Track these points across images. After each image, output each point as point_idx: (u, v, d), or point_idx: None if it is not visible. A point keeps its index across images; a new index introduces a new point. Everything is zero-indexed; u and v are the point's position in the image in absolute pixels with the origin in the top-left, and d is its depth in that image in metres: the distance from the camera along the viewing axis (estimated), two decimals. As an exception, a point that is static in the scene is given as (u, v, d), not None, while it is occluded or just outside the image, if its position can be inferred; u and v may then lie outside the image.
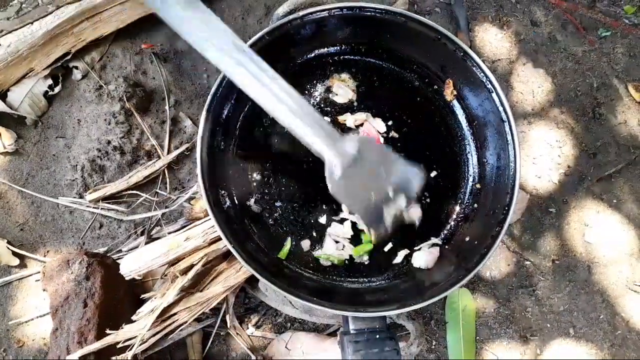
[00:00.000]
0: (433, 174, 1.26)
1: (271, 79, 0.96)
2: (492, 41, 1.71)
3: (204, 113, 1.11)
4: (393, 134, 1.28)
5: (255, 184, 1.25)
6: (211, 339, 1.47)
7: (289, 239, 1.22)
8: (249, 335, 1.49)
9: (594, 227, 1.59)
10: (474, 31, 1.72)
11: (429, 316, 1.52)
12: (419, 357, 1.49)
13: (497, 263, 1.57)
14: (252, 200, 1.24)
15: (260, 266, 1.07)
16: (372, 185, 1.05)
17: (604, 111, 1.67)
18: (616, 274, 1.57)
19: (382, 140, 1.27)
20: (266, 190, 1.25)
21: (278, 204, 1.25)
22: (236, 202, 1.22)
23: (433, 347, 1.51)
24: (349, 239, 1.22)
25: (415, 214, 1.13)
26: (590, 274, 1.57)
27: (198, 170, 1.10)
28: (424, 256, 1.20)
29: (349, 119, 1.28)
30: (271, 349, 1.47)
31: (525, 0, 1.74)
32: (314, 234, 1.24)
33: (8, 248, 1.51)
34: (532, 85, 1.68)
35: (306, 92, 1.30)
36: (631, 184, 1.63)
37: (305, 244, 1.23)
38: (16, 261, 1.51)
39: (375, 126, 1.28)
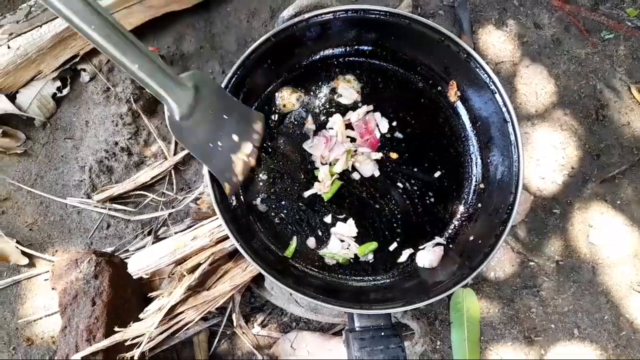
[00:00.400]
0: (437, 174, 1.28)
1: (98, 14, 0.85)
2: (496, 43, 1.72)
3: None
4: (397, 134, 1.30)
5: (261, 183, 1.27)
6: (217, 338, 1.49)
7: (295, 237, 1.24)
8: (254, 335, 1.50)
9: (598, 228, 1.60)
10: (478, 33, 1.73)
11: (434, 316, 1.53)
12: (424, 357, 1.49)
13: (501, 264, 1.58)
14: (259, 199, 1.26)
15: (267, 264, 1.08)
16: (217, 132, 1.03)
17: (607, 113, 1.68)
18: (620, 275, 1.57)
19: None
20: (272, 190, 1.27)
21: (284, 203, 1.26)
22: (243, 201, 1.24)
23: (437, 347, 1.52)
24: (354, 237, 1.23)
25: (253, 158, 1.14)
26: (594, 275, 1.57)
27: (205, 169, 1.11)
28: (428, 255, 1.21)
29: (352, 116, 1.29)
30: (276, 348, 1.48)
31: (529, 2, 1.75)
32: (320, 232, 1.25)
33: (17, 247, 1.52)
34: (536, 87, 1.69)
35: (311, 93, 1.32)
36: (635, 186, 1.63)
37: (311, 242, 1.24)
38: (25, 260, 1.53)
39: (377, 120, 1.29)
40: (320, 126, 1.30)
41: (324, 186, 1.24)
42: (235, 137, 1.08)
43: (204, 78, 1.02)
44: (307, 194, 1.25)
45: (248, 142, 1.11)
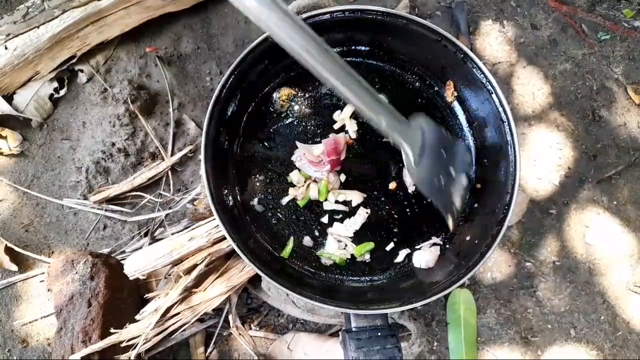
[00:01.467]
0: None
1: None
2: (493, 44, 1.72)
3: (208, 112, 1.13)
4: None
5: (258, 183, 1.26)
6: (214, 339, 1.48)
7: (291, 238, 1.24)
8: (251, 336, 1.50)
9: (594, 229, 1.60)
10: (475, 34, 1.73)
11: (431, 317, 1.53)
12: (421, 357, 1.49)
13: (498, 264, 1.58)
14: (256, 200, 1.26)
15: (264, 265, 1.08)
16: (439, 169, 1.07)
17: (603, 113, 1.68)
18: (616, 276, 1.58)
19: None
20: (269, 190, 1.27)
21: (280, 203, 1.26)
22: (240, 201, 1.24)
23: (434, 347, 1.52)
24: (350, 238, 1.23)
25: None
26: (590, 275, 1.58)
27: (202, 169, 1.11)
28: (425, 255, 1.21)
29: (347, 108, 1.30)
30: (273, 349, 1.48)
31: (526, 3, 1.76)
32: (316, 233, 1.25)
33: (11, 252, 1.53)
34: (533, 87, 1.70)
35: (309, 93, 1.32)
36: (631, 186, 1.64)
37: (308, 242, 1.24)
38: (14, 267, 1.52)
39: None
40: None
41: (299, 192, 1.25)
42: (452, 171, 1.11)
43: (423, 118, 1.06)
44: (284, 200, 1.26)
45: (462, 174, 1.14)
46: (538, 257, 1.58)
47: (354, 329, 1.04)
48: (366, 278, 1.22)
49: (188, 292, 1.33)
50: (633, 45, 1.74)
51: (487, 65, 1.63)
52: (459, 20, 1.70)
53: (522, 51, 1.73)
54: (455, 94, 1.28)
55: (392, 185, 1.27)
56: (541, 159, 1.64)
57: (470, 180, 1.18)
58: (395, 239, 1.24)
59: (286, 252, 1.22)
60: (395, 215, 1.26)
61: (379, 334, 1.03)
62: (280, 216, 1.25)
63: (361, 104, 0.89)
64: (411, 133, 1.00)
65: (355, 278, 1.22)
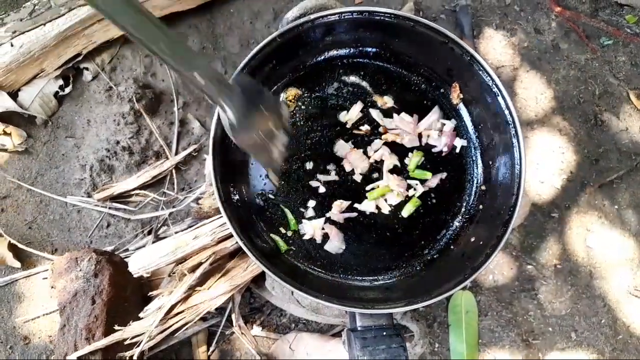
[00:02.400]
0: (444, 175, 1.28)
1: None
2: (496, 48, 1.73)
3: (216, 111, 1.13)
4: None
5: (265, 182, 1.27)
6: (216, 339, 1.48)
7: (288, 232, 1.26)
8: (253, 335, 1.50)
9: (595, 233, 1.61)
10: (479, 38, 1.74)
11: (432, 319, 1.54)
12: (423, 359, 1.49)
13: (499, 267, 1.58)
14: (261, 197, 1.26)
15: (270, 263, 1.08)
16: (259, 125, 1.08)
17: (606, 118, 1.69)
18: (617, 279, 1.58)
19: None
20: (276, 189, 1.27)
21: (287, 201, 1.27)
22: (246, 199, 1.24)
23: (436, 349, 1.52)
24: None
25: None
26: (591, 278, 1.58)
27: (210, 167, 1.12)
28: (441, 140, 1.29)
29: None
30: (275, 349, 1.48)
31: (529, 8, 1.77)
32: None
33: (14, 249, 1.53)
34: (535, 91, 1.71)
35: (315, 93, 1.32)
36: (633, 190, 1.65)
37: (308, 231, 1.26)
38: (18, 264, 1.53)
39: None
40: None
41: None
42: (271, 126, 1.12)
43: (243, 77, 1.07)
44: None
45: (281, 130, 1.15)
46: (539, 260, 1.59)
47: (359, 328, 1.05)
48: (371, 277, 1.22)
49: (192, 291, 1.33)
50: (635, 50, 1.75)
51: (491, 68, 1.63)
52: (462, 23, 1.71)
53: (525, 55, 1.74)
54: (461, 96, 1.28)
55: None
56: (543, 163, 1.65)
57: (289, 136, 1.20)
58: (401, 241, 1.25)
59: (284, 243, 1.24)
60: (400, 217, 1.27)
61: (384, 333, 1.03)
62: (286, 213, 1.26)
63: (177, 65, 0.85)
64: (231, 93, 0.97)
65: (360, 277, 1.22)
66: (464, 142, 1.29)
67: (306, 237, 1.24)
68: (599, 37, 1.76)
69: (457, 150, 1.30)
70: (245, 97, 1.00)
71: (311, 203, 1.27)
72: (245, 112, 1.00)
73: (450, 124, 1.29)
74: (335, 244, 1.23)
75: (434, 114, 1.29)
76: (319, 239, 1.24)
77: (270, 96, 1.13)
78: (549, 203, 1.63)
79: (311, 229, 1.24)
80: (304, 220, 1.25)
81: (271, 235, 1.23)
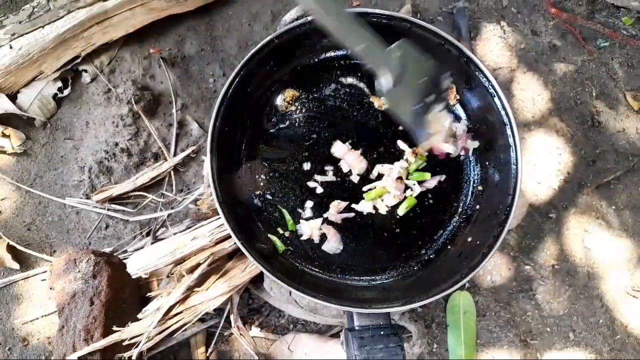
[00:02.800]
0: (443, 177, 1.29)
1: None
2: (494, 50, 1.74)
3: (214, 112, 1.14)
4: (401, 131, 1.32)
5: (262, 183, 1.27)
6: (215, 340, 1.48)
7: (286, 233, 1.26)
8: (252, 336, 1.50)
9: (593, 233, 1.62)
10: (476, 40, 1.75)
11: (430, 319, 1.54)
12: (421, 359, 1.50)
13: (497, 268, 1.59)
14: (259, 197, 1.27)
15: (268, 263, 1.09)
16: (418, 96, 1.11)
17: (602, 119, 1.70)
18: (615, 280, 1.59)
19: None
20: (273, 190, 1.28)
21: (284, 202, 1.27)
22: (243, 199, 1.25)
23: (434, 350, 1.53)
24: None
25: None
26: (589, 279, 1.59)
27: (208, 168, 1.12)
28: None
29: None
30: (274, 350, 1.48)
31: (526, 10, 1.78)
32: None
33: (13, 250, 1.53)
34: (532, 93, 1.72)
35: (313, 94, 1.33)
36: (630, 191, 1.65)
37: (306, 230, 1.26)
38: (16, 266, 1.53)
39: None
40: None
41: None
42: (432, 97, 1.15)
43: (405, 45, 1.08)
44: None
45: (440, 102, 1.18)
46: (537, 260, 1.59)
47: (357, 328, 1.05)
48: (369, 277, 1.23)
49: (190, 292, 1.34)
50: (632, 52, 1.76)
51: (488, 70, 1.64)
52: (460, 25, 1.72)
53: (522, 57, 1.75)
54: (458, 97, 1.29)
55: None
56: (541, 164, 1.66)
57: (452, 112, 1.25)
58: (399, 242, 1.26)
59: (280, 247, 1.24)
60: (398, 217, 1.27)
61: (382, 332, 1.04)
62: (284, 214, 1.27)
63: (336, 27, 0.96)
64: (389, 58, 1.03)
65: (357, 277, 1.23)
66: (475, 144, 1.29)
67: (304, 237, 1.25)
68: (595, 39, 1.77)
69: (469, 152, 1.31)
70: (405, 64, 1.06)
71: (309, 204, 1.27)
72: (401, 78, 1.05)
73: (461, 126, 1.30)
74: (333, 245, 1.24)
75: (446, 120, 1.25)
76: (316, 239, 1.25)
77: (432, 64, 1.14)
78: (546, 204, 1.64)
79: (309, 229, 1.24)
80: (301, 221, 1.26)
81: (269, 235, 1.24)
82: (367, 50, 1.00)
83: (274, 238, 1.24)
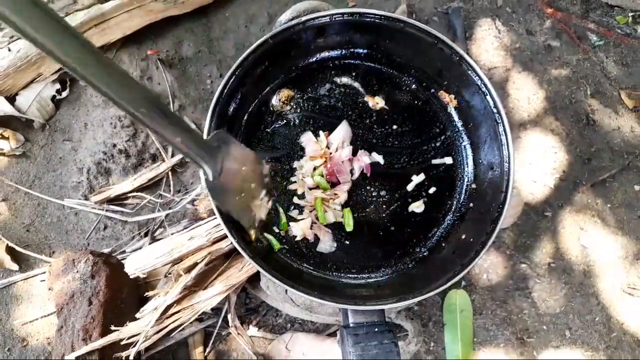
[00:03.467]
0: (430, 174, 1.30)
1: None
2: (489, 49, 1.75)
3: (210, 112, 1.15)
4: (392, 133, 1.32)
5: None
6: (212, 339, 1.49)
7: (281, 232, 1.27)
8: (249, 336, 1.51)
9: (589, 231, 1.62)
10: (471, 40, 1.76)
11: (427, 318, 1.55)
12: (418, 357, 1.50)
13: (493, 266, 1.60)
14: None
15: (263, 261, 1.10)
16: (241, 184, 1.07)
17: (597, 118, 1.71)
18: (611, 277, 1.59)
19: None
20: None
21: (277, 201, 1.28)
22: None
23: (431, 348, 1.53)
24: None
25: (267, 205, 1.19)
26: (585, 276, 1.60)
27: (202, 172, 1.13)
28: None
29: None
30: (272, 349, 1.49)
31: (521, 10, 1.79)
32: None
33: (12, 251, 1.54)
34: (528, 92, 1.73)
35: (308, 94, 1.34)
36: (625, 189, 1.66)
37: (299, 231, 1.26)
38: (15, 267, 1.54)
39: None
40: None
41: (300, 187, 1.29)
42: (252, 185, 1.11)
43: (223, 135, 1.02)
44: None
45: (262, 188, 1.15)
46: (533, 258, 1.60)
47: (351, 325, 1.06)
48: (364, 275, 1.23)
49: (188, 291, 1.34)
50: (626, 51, 1.77)
51: (483, 70, 1.65)
52: (455, 25, 1.73)
53: (517, 56, 1.76)
54: (454, 98, 1.30)
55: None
56: (536, 162, 1.67)
57: (272, 195, 1.20)
58: (393, 240, 1.26)
59: (276, 245, 1.24)
60: (392, 215, 1.28)
61: (376, 329, 1.04)
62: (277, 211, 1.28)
63: (155, 126, 0.82)
64: (210, 152, 0.96)
65: (352, 275, 1.23)
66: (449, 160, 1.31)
67: (297, 237, 1.25)
68: (590, 37, 1.78)
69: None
70: (224, 155, 0.99)
71: (296, 204, 1.28)
72: (221, 169, 0.98)
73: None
74: (327, 245, 1.24)
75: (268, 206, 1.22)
76: (311, 239, 1.25)
77: (251, 153, 1.11)
78: (542, 202, 1.64)
79: (300, 230, 1.24)
80: (291, 223, 1.26)
81: (265, 234, 1.25)
82: (186, 143, 0.88)
83: (269, 237, 1.24)
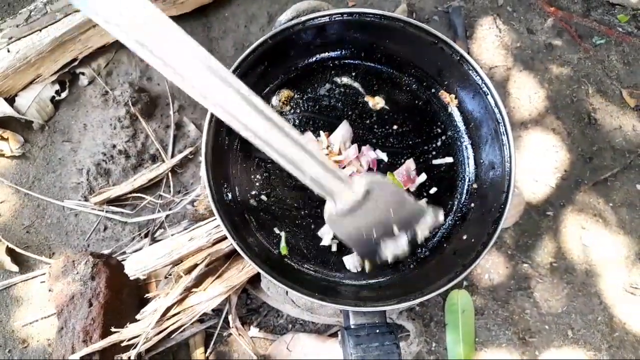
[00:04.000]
0: (431, 174, 1.29)
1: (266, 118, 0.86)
2: (490, 48, 1.75)
3: (209, 113, 1.14)
4: (392, 133, 1.32)
5: (257, 183, 1.28)
6: (213, 340, 1.49)
7: (282, 233, 1.25)
8: (250, 337, 1.50)
9: (590, 230, 1.62)
10: (472, 39, 1.76)
11: (429, 318, 1.54)
12: (419, 358, 1.50)
13: (495, 266, 1.59)
14: (255, 198, 1.27)
15: (264, 263, 1.09)
16: (376, 224, 1.03)
17: (599, 117, 1.70)
18: (613, 277, 1.59)
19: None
20: (268, 189, 1.28)
21: (280, 202, 1.27)
22: (239, 199, 1.25)
23: (433, 348, 1.53)
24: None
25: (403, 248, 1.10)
26: (587, 276, 1.59)
27: (203, 169, 1.13)
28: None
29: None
30: (273, 350, 1.49)
31: (522, 9, 1.79)
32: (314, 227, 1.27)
33: (12, 253, 1.54)
34: (529, 91, 1.72)
35: (307, 95, 1.33)
36: (627, 188, 1.66)
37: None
38: (15, 268, 1.54)
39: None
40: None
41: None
42: (395, 229, 1.06)
43: (380, 181, 0.99)
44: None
45: (405, 234, 1.08)
46: (535, 258, 1.60)
47: (352, 326, 1.05)
48: (364, 276, 1.23)
49: (188, 292, 1.34)
50: (627, 49, 1.76)
51: (484, 69, 1.64)
52: (456, 25, 1.73)
53: (518, 55, 1.75)
54: (455, 99, 1.29)
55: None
56: (537, 162, 1.66)
57: (415, 241, 1.11)
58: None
59: (283, 247, 1.23)
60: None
61: (377, 331, 1.04)
62: (279, 214, 1.27)
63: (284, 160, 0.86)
64: (348, 190, 0.93)
65: (353, 276, 1.23)
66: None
67: (324, 242, 1.24)
68: (591, 36, 1.78)
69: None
70: (368, 197, 0.96)
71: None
72: (355, 209, 0.96)
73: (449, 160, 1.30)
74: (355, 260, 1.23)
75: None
76: (334, 248, 1.25)
77: (417, 205, 1.05)
78: (543, 202, 1.64)
79: (352, 264, 1.23)
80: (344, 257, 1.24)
81: (278, 232, 1.24)
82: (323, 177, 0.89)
83: (282, 244, 1.23)
